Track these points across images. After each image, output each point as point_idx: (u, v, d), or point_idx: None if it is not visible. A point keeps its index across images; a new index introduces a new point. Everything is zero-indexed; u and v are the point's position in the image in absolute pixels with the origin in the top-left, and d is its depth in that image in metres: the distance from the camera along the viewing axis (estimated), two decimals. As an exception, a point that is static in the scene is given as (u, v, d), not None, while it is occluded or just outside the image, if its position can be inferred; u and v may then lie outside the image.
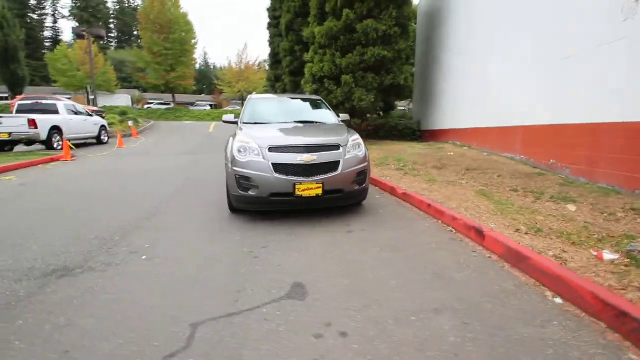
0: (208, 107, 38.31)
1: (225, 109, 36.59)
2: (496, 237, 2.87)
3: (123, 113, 19.48)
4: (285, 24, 14.34)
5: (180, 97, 38.55)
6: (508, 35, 6.53)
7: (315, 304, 2.11)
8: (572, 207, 3.85)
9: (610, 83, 4.15)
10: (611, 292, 2.00)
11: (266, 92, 28.49)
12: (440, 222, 3.76)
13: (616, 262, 2.54)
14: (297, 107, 5.27)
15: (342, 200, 3.92)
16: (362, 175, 3.94)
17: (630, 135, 3.84)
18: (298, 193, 3.58)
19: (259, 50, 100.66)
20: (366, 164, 4.01)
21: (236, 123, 4.85)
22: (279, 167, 3.59)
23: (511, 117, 6.45)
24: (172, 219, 3.98)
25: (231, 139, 4.11)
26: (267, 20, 18.01)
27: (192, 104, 40.37)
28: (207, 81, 54.14)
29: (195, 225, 3.77)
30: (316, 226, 3.67)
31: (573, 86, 4.77)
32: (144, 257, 2.89)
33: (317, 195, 3.63)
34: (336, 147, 3.80)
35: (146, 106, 34.42)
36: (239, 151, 3.76)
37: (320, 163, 3.66)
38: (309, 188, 3.59)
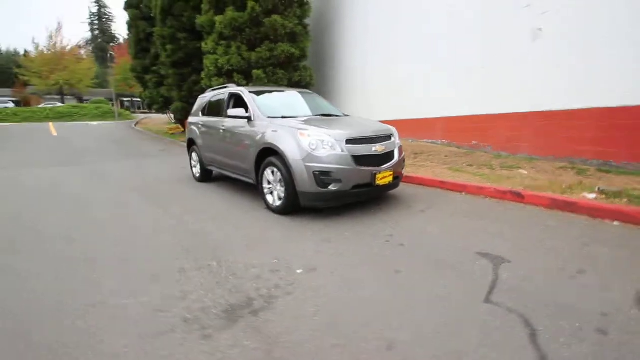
0: (11, 104, 28.52)
1: (42, 106, 28.11)
2: (536, 194, 3.94)
3: None
4: (162, 7, 12.47)
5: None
6: (426, 44, 8.07)
7: (527, 260, 2.52)
8: (524, 172, 5.45)
9: (524, 84, 6.00)
10: None
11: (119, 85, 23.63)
12: (464, 193, 4.64)
13: (599, 198, 3.99)
14: (305, 100, 5.10)
15: (396, 186, 4.26)
16: (404, 161, 4.38)
17: (544, 120, 5.74)
18: (377, 182, 3.72)
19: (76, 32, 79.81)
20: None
21: (248, 118, 4.36)
22: (358, 159, 3.62)
23: (430, 110, 8.05)
24: (230, 234, 3.37)
25: (291, 133, 3.71)
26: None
27: (-25, 101, 29.05)
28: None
29: (277, 237, 3.34)
30: (378, 212, 3.86)
31: (494, 87, 6.54)
32: (299, 271, 2.51)
33: (389, 183, 3.87)
34: (390, 136, 4.10)
35: None
36: (312, 145, 3.55)
37: (387, 152, 3.90)
38: (384, 176, 3.79)
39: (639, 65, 4.66)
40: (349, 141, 3.64)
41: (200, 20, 11.35)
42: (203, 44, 11.22)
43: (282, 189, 3.79)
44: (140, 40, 14.90)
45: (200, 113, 5.88)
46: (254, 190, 5.11)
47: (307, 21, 11.74)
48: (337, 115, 4.82)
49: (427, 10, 7.87)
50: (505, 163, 5.93)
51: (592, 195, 4.05)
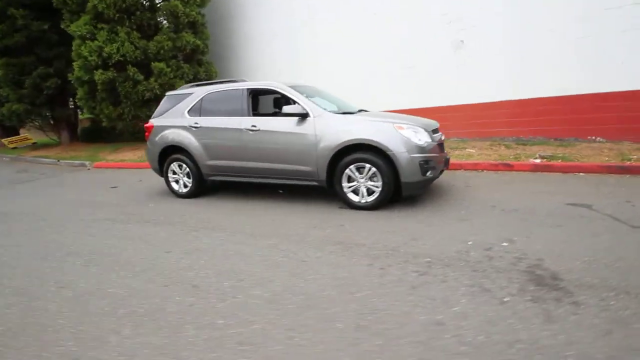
0: None
1: None
2: (521, 163, 5.36)
3: None
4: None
5: None
6: (358, 45, 8.89)
7: (595, 202, 3.62)
8: (472, 150, 7.06)
9: (452, 83, 7.67)
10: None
11: None
12: (462, 170, 5.71)
13: (543, 161, 5.78)
14: (322, 95, 4.91)
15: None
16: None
17: (463, 112, 7.56)
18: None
19: None
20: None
21: (303, 115, 4.03)
22: (440, 146, 4.04)
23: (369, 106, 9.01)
24: (371, 238, 3.21)
25: (387, 127, 3.79)
26: None
27: None
28: None
29: (418, 226, 3.39)
30: (437, 193, 4.46)
31: (428, 86, 8.01)
32: (505, 244, 2.80)
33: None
34: (436, 127, 4.67)
35: None
36: (412, 137, 3.73)
37: (438, 140, 4.47)
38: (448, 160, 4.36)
39: (529, 67, 6.89)
40: (433, 130, 4.01)
41: (60, -7, 8.51)
42: (72, 26, 8.54)
43: (377, 183, 3.79)
44: None
45: (186, 114, 4.75)
46: (277, 191, 4.71)
47: (203, 11, 10.59)
48: (365, 110, 4.98)
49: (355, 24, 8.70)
50: (450, 145, 7.45)
51: (538, 160, 5.83)
